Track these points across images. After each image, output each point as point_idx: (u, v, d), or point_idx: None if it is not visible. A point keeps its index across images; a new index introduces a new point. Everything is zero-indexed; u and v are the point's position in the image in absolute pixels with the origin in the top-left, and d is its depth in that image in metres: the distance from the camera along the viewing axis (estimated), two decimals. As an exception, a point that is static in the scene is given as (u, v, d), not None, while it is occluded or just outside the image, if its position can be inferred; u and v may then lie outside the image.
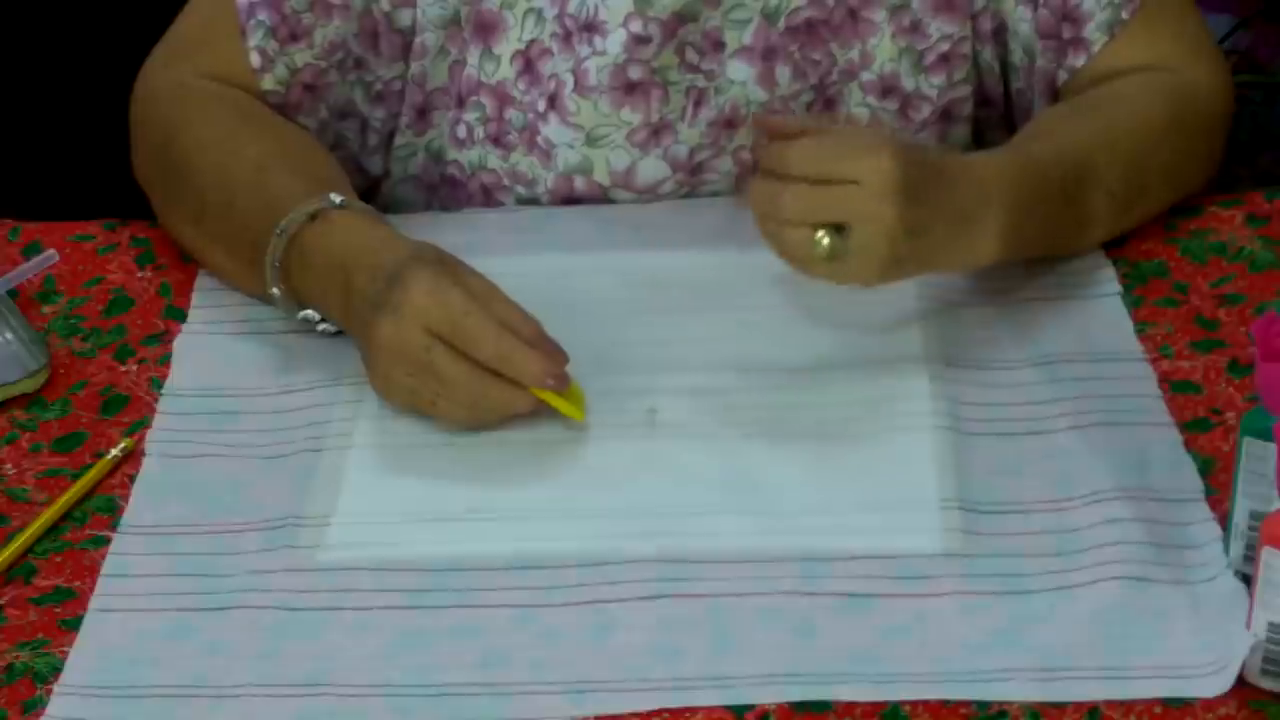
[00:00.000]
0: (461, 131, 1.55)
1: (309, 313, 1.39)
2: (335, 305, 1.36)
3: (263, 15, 1.49)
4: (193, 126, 1.48)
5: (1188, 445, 1.28)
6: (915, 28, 1.51)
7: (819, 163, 1.29)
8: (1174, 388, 1.33)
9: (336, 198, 1.38)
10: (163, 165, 1.49)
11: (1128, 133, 1.45)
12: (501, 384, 1.28)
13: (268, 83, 1.51)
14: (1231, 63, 2.14)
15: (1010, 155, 1.40)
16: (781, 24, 1.49)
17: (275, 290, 1.39)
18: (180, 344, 1.43)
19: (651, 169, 1.53)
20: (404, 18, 1.51)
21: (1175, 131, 1.47)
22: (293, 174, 1.43)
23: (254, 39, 1.50)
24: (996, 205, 1.34)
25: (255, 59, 1.50)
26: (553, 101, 1.50)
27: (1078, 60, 1.51)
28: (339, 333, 1.39)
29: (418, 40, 1.52)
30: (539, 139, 1.52)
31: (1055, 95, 1.53)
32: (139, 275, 1.50)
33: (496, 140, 1.54)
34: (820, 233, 1.28)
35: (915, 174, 1.29)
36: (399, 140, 1.57)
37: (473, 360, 1.27)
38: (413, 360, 1.28)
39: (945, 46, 1.52)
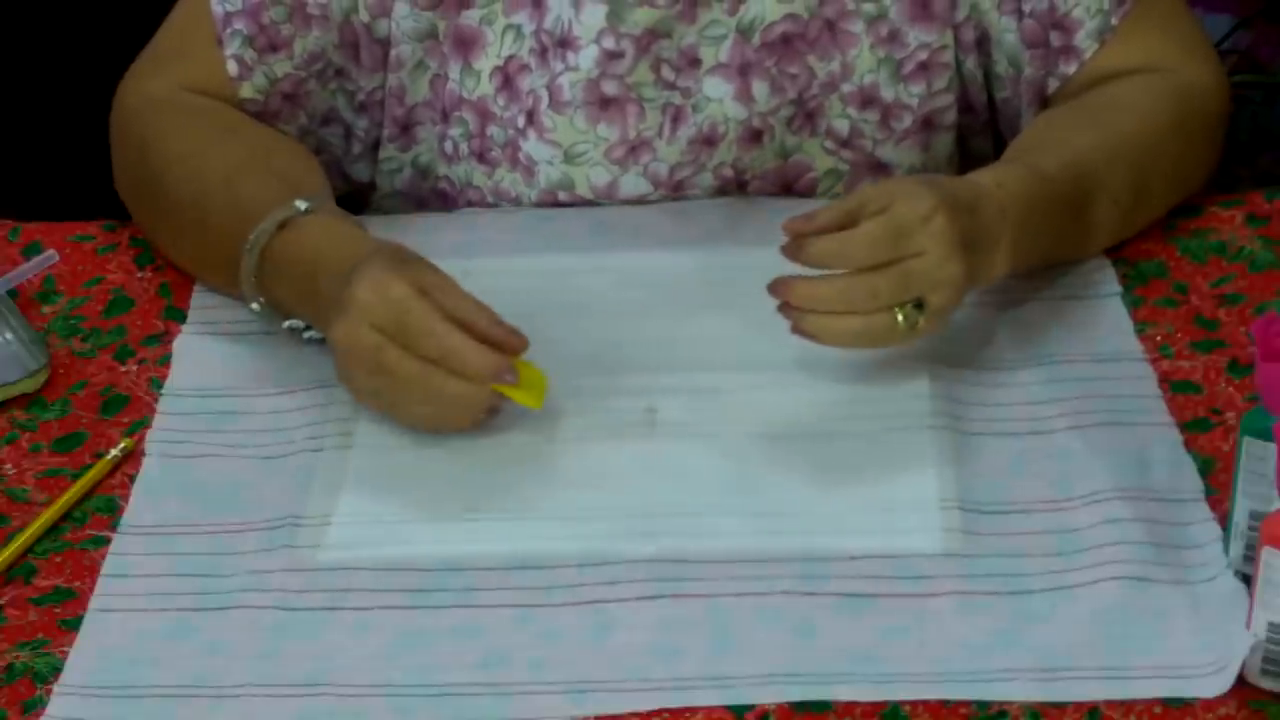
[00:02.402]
0: (449, 147, 1.54)
1: (294, 322, 1.38)
2: (309, 311, 1.36)
3: (240, 25, 1.49)
4: (165, 140, 1.48)
5: (1188, 445, 1.28)
6: (893, 37, 1.50)
7: (883, 248, 1.27)
8: (1174, 388, 1.33)
9: (302, 204, 1.37)
10: (139, 181, 1.50)
11: (1133, 140, 1.44)
12: (455, 379, 1.27)
13: (246, 91, 1.51)
14: (1231, 63, 2.14)
15: (1022, 171, 1.38)
16: (757, 39, 1.49)
17: (255, 305, 1.39)
18: (180, 344, 1.43)
19: (632, 186, 1.52)
20: (382, 28, 1.51)
21: (1178, 134, 1.47)
22: (263, 182, 1.42)
23: (231, 47, 1.50)
24: (1010, 224, 1.34)
25: (233, 67, 1.50)
26: (531, 117, 1.50)
27: (1069, 68, 1.51)
28: (321, 338, 1.38)
29: (393, 52, 1.51)
30: (520, 155, 1.52)
31: (1045, 103, 1.53)
32: (139, 275, 1.50)
33: (481, 157, 1.53)
34: (899, 314, 1.28)
35: (965, 222, 1.29)
36: (383, 154, 1.57)
37: (423, 357, 1.27)
38: (366, 360, 1.28)
39: (924, 55, 1.51)
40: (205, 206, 1.43)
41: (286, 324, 1.39)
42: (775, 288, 1.29)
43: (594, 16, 1.47)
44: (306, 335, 1.39)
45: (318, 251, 1.35)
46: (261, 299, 1.38)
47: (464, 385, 1.27)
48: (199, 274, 1.47)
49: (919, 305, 1.29)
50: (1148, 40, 1.50)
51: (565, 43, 1.48)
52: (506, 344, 1.28)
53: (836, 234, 1.28)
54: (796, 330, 1.29)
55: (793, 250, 1.28)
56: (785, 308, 1.29)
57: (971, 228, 1.31)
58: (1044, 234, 1.37)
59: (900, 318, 1.28)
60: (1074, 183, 1.39)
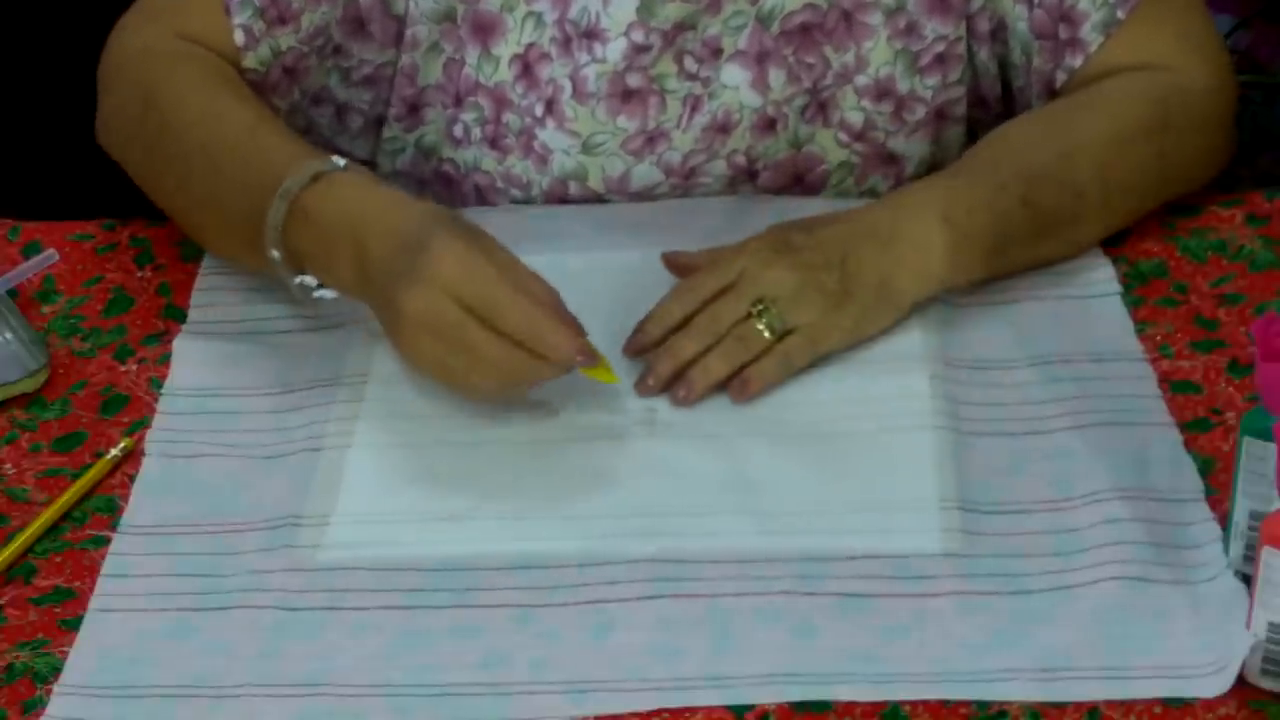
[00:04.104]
0: (459, 131, 1.54)
1: (306, 278, 1.35)
2: (344, 270, 1.33)
3: None
4: (174, 87, 1.45)
5: (1188, 445, 1.28)
6: (910, 29, 1.50)
7: (707, 280, 1.36)
8: (1174, 388, 1.33)
9: (340, 160, 1.36)
10: (142, 128, 1.46)
11: (1099, 132, 1.44)
12: (537, 361, 1.27)
13: (249, 61, 1.49)
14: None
15: (944, 172, 1.43)
16: (776, 28, 1.49)
17: (275, 253, 1.35)
18: (180, 344, 1.42)
19: (645, 174, 1.52)
20: (399, 4, 1.50)
21: (1158, 130, 1.46)
22: (285, 137, 1.41)
23: (240, 16, 1.48)
24: (933, 219, 1.37)
25: (240, 36, 1.48)
26: (550, 107, 1.50)
27: (1075, 61, 1.51)
28: (335, 299, 1.36)
29: (409, 31, 1.51)
30: (535, 143, 1.52)
31: (1054, 95, 1.53)
32: (138, 275, 1.50)
33: (493, 143, 1.53)
34: (758, 325, 1.33)
35: (789, 226, 1.37)
36: (387, 133, 1.57)
37: (505, 335, 1.26)
38: (444, 332, 1.26)
39: (940, 47, 1.52)
40: (222, 153, 1.40)
41: (298, 279, 1.35)
42: (651, 387, 1.34)
43: (623, 10, 1.47)
44: (317, 294, 1.36)
45: (359, 211, 1.32)
46: (281, 249, 1.35)
47: (539, 362, 1.27)
48: (198, 224, 1.44)
49: (768, 311, 1.33)
50: (1152, 38, 1.50)
51: (591, 34, 1.48)
52: (574, 324, 1.29)
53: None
54: (688, 399, 1.33)
55: (639, 344, 1.36)
56: (676, 395, 1.33)
57: (827, 224, 1.38)
58: (986, 225, 1.38)
59: (760, 326, 1.33)
60: (1012, 173, 1.41)
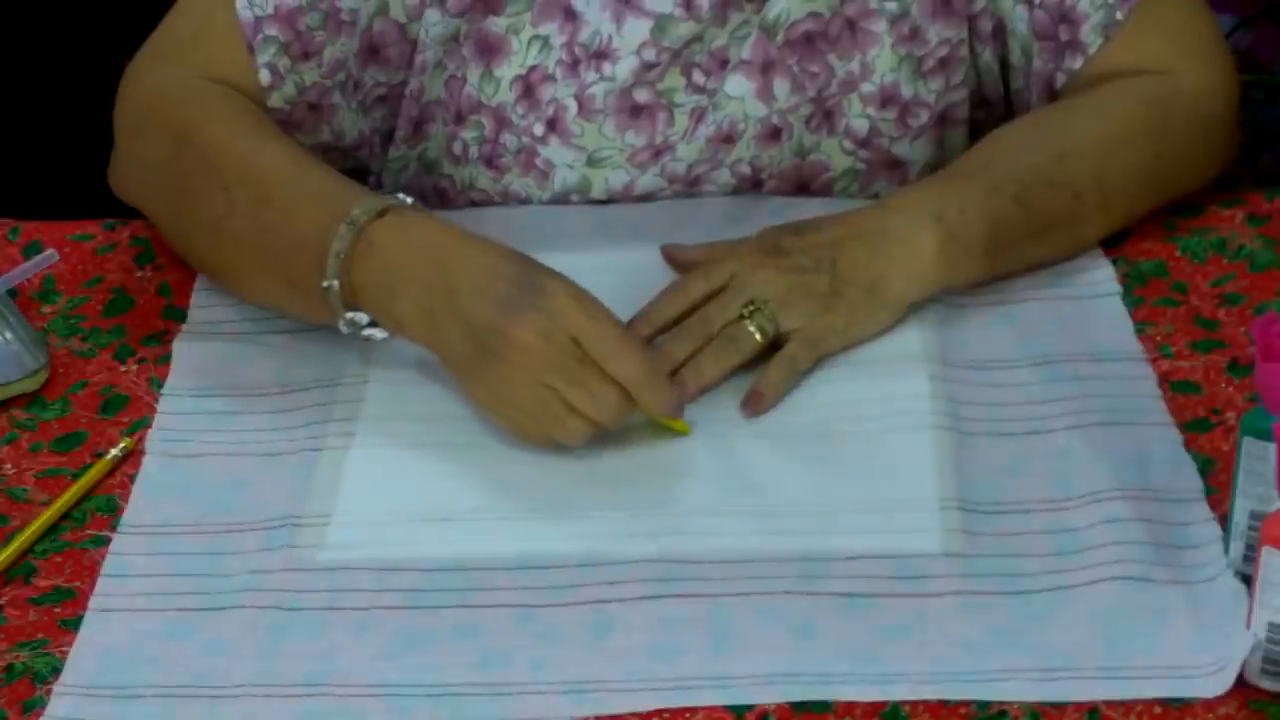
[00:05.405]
0: (458, 148, 1.54)
1: (358, 315, 1.33)
2: (406, 306, 1.30)
3: (273, 31, 1.46)
4: (209, 123, 1.43)
5: (1188, 445, 1.28)
6: (914, 35, 1.50)
7: (695, 283, 1.37)
8: (1174, 388, 1.33)
9: (407, 198, 1.34)
10: (173, 168, 1.44)
11: (1095, 135, 1.45)
12: (629, 403, 1.27)
13: (275, 100, 1.47)
14: (1231, 63, 2.14)
15: (937, 174, 1.44)
16: (780, 38, 1.49)
17: (334, 283, 1.32)
18: (180, 344, 1.42)
19: (649, 184, 1.52)
20: (414, 30, 1.50)
21: (1155, 134, 1.46)
22: (332, 170, 1.39)
23: (264, 55, 1.46)
24: (924, 220, 1.37)
25: (265, 76, 1.46)
26: (553, 125, 1.50)
27: (1075, 63, 1.51)
28: (382, 338, 1.34)
29: (419, 58, 1.50)
30: (537, 160, 1.51)
31: (1053, 96, 1.53)
32: (138, 275, 1.50)
33: (489, 162, 1.53)
34: (749, 327, 1.34)
35: (780, 229, 1.39)
36: (393, 152, 1.56)
37: (610, 378, 1.26)
38: (558, 365, 1.25)
39: (944, 51, 1.52)
40: (268, 186, 1.37)
41: (350, 315, 1.33)
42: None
43: (637, 31, 1.46)
44: (366, 332, 1.34)
45: (443, 247, 1.30)
46: (339, 280, 1.32)
47: (633, 412, 1.27)
48: (236, 263, 1.41)
49: (759, 312, 1.34)
50: (1150, 41, 1.50)
51: (602, 55, 1.47)
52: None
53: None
54: (680, 400, 1.31)
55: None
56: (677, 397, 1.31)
57: (815, 228, 1.38)
58: (978, 225, 1.38)
59: (751, 327, 1.34)
60: (1005, 175, 1.41)
